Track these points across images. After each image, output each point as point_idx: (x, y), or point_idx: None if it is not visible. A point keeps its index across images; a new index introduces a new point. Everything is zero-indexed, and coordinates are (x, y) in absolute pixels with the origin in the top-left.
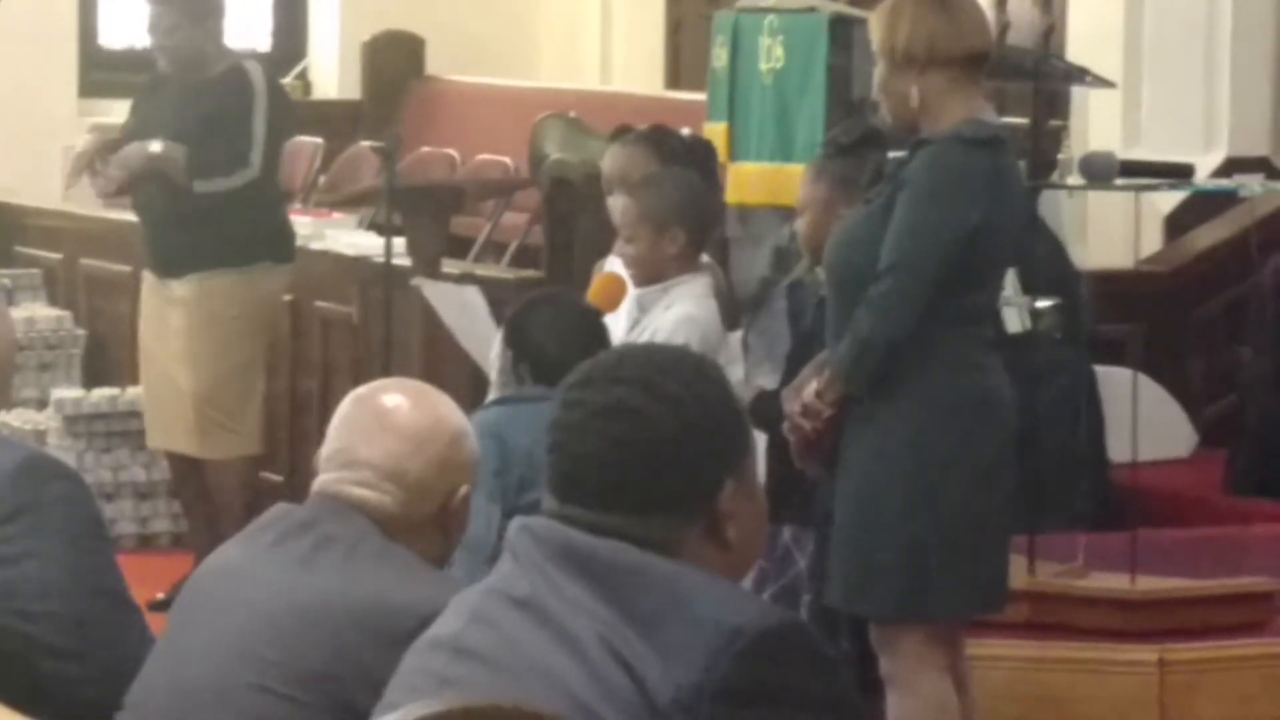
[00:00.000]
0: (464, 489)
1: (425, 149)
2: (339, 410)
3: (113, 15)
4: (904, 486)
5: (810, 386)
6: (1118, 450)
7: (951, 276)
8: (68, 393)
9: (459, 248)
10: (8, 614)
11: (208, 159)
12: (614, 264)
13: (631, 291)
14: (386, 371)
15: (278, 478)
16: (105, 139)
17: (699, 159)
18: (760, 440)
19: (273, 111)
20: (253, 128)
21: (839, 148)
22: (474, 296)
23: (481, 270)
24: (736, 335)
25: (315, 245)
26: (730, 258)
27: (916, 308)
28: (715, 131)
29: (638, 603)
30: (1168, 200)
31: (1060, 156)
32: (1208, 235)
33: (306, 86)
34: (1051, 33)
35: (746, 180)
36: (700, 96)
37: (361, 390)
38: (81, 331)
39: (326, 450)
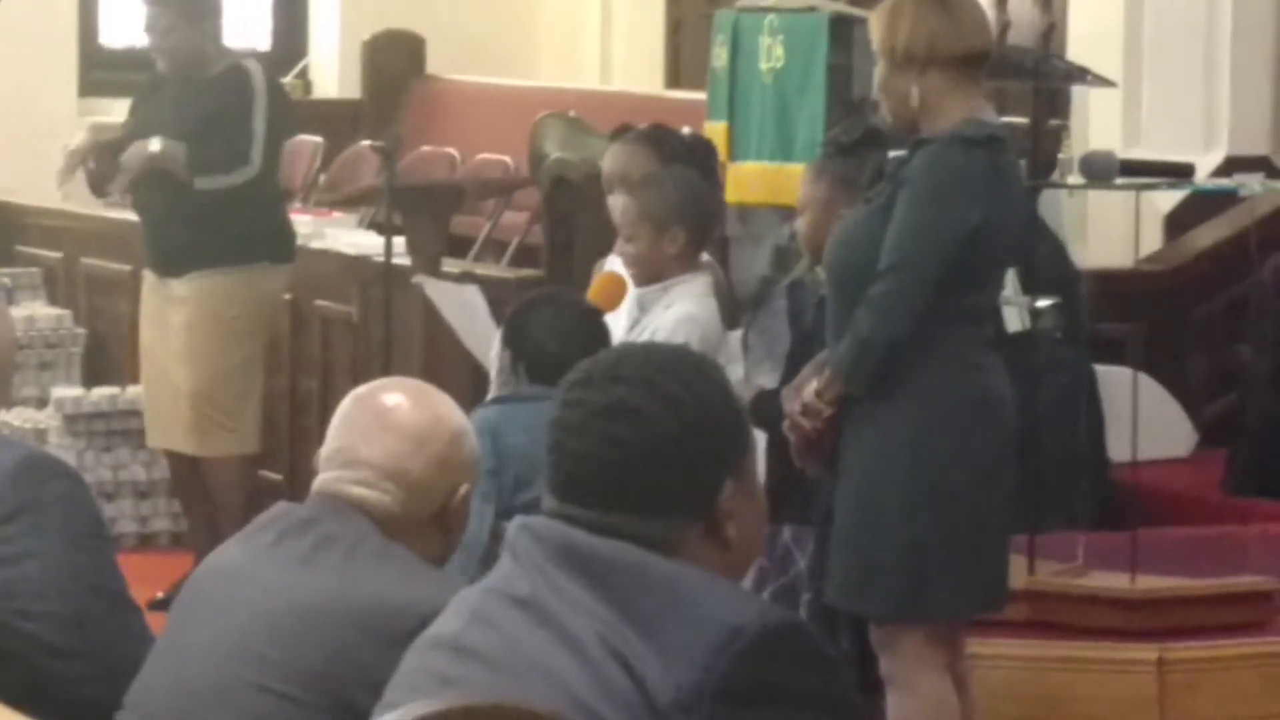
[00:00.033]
0: (464, 488)
1: (425, 148)
2: (339, 409)
3: (113, 14)
4: (904, 486)
5: (810, 386)
6: (1118, 449)
7: (951, 276)
8: (68, 392)
9: (459, 247)
10: (8, 613)
11: (208, 157)
12: (614, 263)
13: (632, 291)
14: (386, 371)
15: (277, 477)
16: (98, 136)
17: (699, 158)
18: (760, 439)
19: (272, 110)
20: (253, 126)
21: (839, 147)
22: (474, 296)
23: (482, 269)
24: (736, 334)
25: (315, 244)
26: (730, 257)
27: (917, 307)
28: (715, 131)
29: (638, 602)
30: (1168, 199)
31: (1060, 156)
32: (1208, 234)
33: (307, 86)
34: (1052, 32)
35: (746, 179)
36: (700, 96)
37: (362, 389)
38: (81, 330)
39: (326, 449)
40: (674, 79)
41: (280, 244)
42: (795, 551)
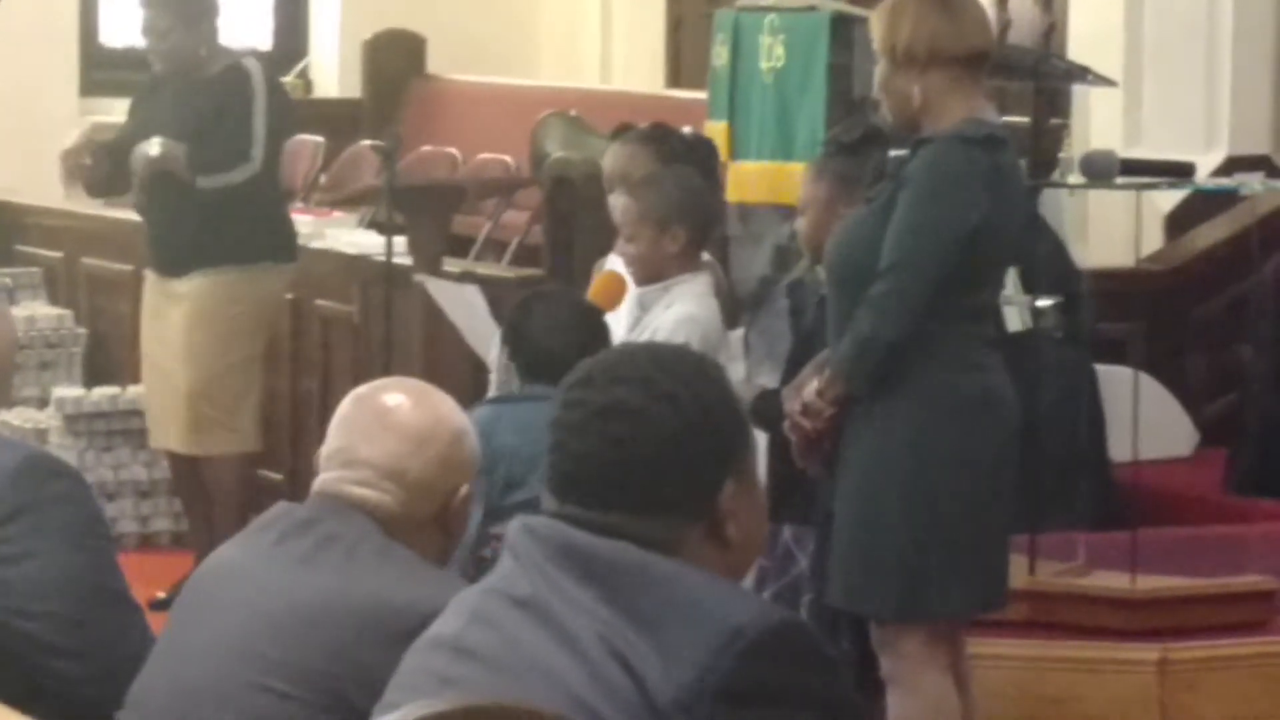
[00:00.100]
0: (465, 488)
1: (426, 148)
2: (339, 409)
3: (113, 14)
4: (904, 486)
5: (811, 385)
6: (1118, 449)
7: (952, 275)
8: (68, 391)
9: (460, 246)
10: (8, 613)
11: (209, 157)
12: (615, 263)
13: (632, 290)
14: (387, 370)
15: (278, 476)
16: (94, 135)
17: (700, 157)
18: (761, 439)
19: (273, 108)
20: (253, 124)
21: (840, 146)
22: (474, 296)
23: (482, 269)
24: (737, 334)
25: (316, 244)
26: (731, 256)
27: (917, 307)
28: (716, 130)
29: (638, 602)
30: (1168, 199)
31: (1061, 155)
32: (1208, 234)
33: (307, 85)
34: (1052, 31)
35: (747, 179)
36: (701, 95)
37: (362, 389)
38: (82, 330)
39: (327, 449)
40: (674, 78)
41: (283, 244)
42: (796, 552)
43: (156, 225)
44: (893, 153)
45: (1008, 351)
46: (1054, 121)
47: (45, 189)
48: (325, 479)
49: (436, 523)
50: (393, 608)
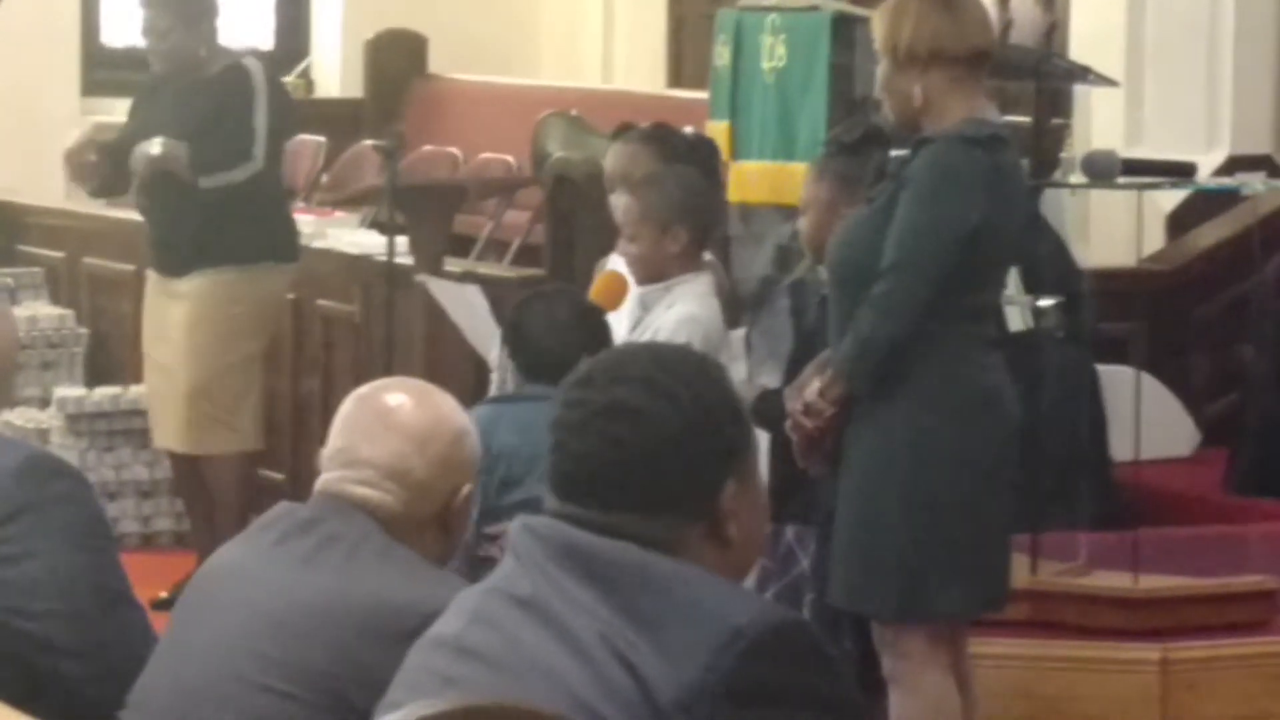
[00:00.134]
0: (467, 488)
1: (428, 147)
2: (341, 409)
3: (115, 14)
4: (904, 486)
5: (812, 385)
6: (1120, 449)
7: (953, 275)
8: (70, 391)
9: (461, 246)
10: (9, 613)
11: (211, 156)
12: (616, 262)
13: (634, 290)
14: (389, 370)
15: (279, 476)
16: (96, 135)
17: (701, 157)
18: (763, 439)
19: (274, 107)
20: (254, 123)
21: (841, 146)
22: (475, 296)
23: (484, 269)
24: (738, 334)
25: (318, 244)
26: (732, 256)
27: (918, 307)
28: (717, 130)
29: (639, 602)
30: (1170, 199)
31: (1063, 155)
32: (1210, 234)
33: (309, 85)
34: (1054, 31)
35: (748, 179)
36: (702, 95)
37: (364, 389)
38: (84, 330)
39: (329, 449)
40: (676, 78)
41: (284, 243)
42: (798, 551)
43: (158, 225)
44: (894, 153)
45: (1009, 351)
46: (1055, 121)
47: (47, 189)
48: (327, 479)
49: (438, 522)
50: (393, 608)
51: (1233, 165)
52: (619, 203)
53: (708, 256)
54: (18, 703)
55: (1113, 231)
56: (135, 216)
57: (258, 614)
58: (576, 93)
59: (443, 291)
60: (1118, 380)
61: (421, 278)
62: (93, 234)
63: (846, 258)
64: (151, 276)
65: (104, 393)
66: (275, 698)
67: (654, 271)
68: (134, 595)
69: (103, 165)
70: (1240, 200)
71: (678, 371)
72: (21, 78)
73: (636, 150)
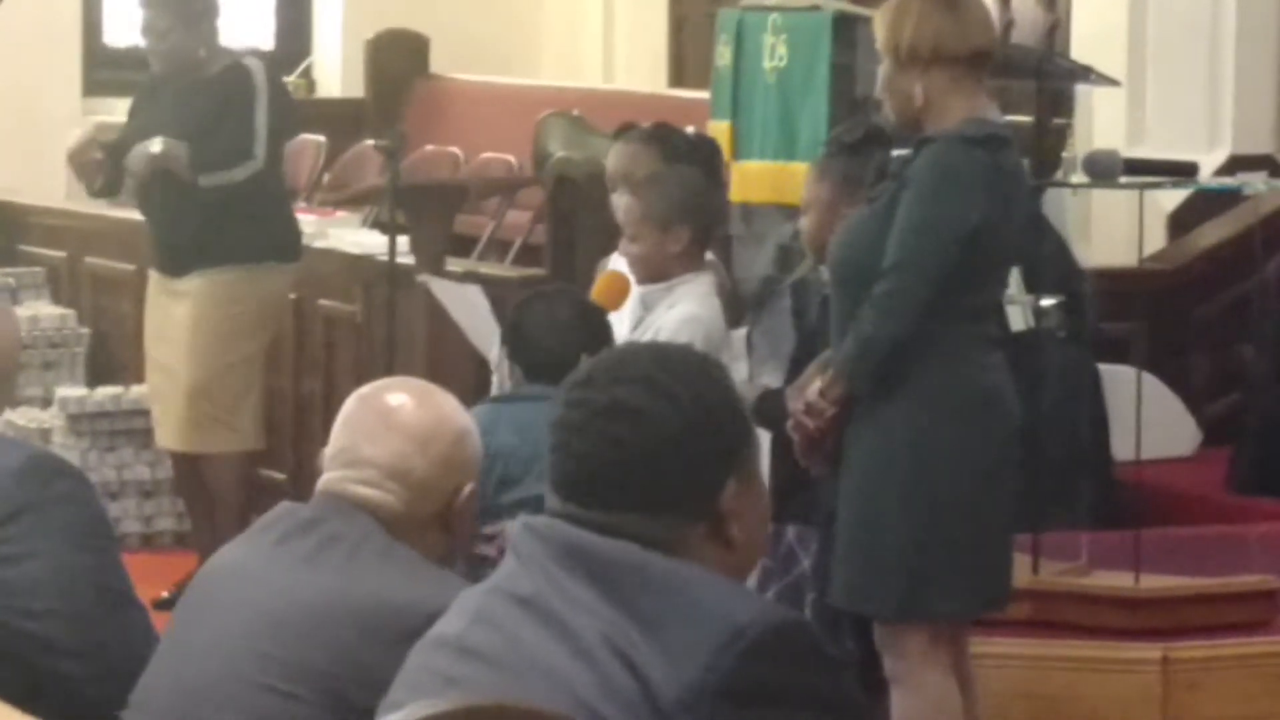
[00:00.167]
0: (468, 487)
1: (429, 147)
2: (343, 409)
3: (116, 13)
4: (905, 486)
5: (814, 385)
6: (1121, 448)
7: (954, 275)
8: (71, 391)
9: (462, 246)
10: (11, 613)
11: (211, 155)
12: (617, 262)
13: (635, 290)
14: (390, 370)
15: (281, 476)
16: (98, 134)
17: (703, 157)
18: (764, 439)
19: (274, 106)
20: (255, 122)
21: (842, 146)
22: (476, 295)
23: (485, 269)
24: (740, 333)
25: (319, 244)
26: (734, 256)
27: (919, 306)
28: (719, 130)
29: (640, 602)
30: (1171, 198)
31: (1064, 155)
32: (1211, 233)
33: (310, 85)
34: (1055, 31)
35: (750, 178)
36: (704, 95)
37: (365, 389)
38: (85, 330)
39: (331, 449)
40: (677, 78)
41: (286, 243)
42: (799, 551)
43: (159, 224)
44: (895, 152)
45: (1010, 351)
46: (1057, 121)
47: (48, 189)
48: (329, 479)
49: (440, 522)
50: (394, 607)
51: (1234, 165)
52: (620, 203)
53: (709, 256)
54: (18, 703)
55: (1114, 231)
56: (136, 216)
57: (259, 614)
58: (577, 92)
59: (444, 291)
60: (1119, 380)
61: (423, 278)
62: (94, 234)
63: (847, 258)
64: (153, 276)
65: (105, 392)
66: (277, 698)
67: (655, 271)
68: (135, 595)
69: (107, 164)
70: (1242, 200)
71: (679, 371)
72: (22, 77)
73: (638, 150)
